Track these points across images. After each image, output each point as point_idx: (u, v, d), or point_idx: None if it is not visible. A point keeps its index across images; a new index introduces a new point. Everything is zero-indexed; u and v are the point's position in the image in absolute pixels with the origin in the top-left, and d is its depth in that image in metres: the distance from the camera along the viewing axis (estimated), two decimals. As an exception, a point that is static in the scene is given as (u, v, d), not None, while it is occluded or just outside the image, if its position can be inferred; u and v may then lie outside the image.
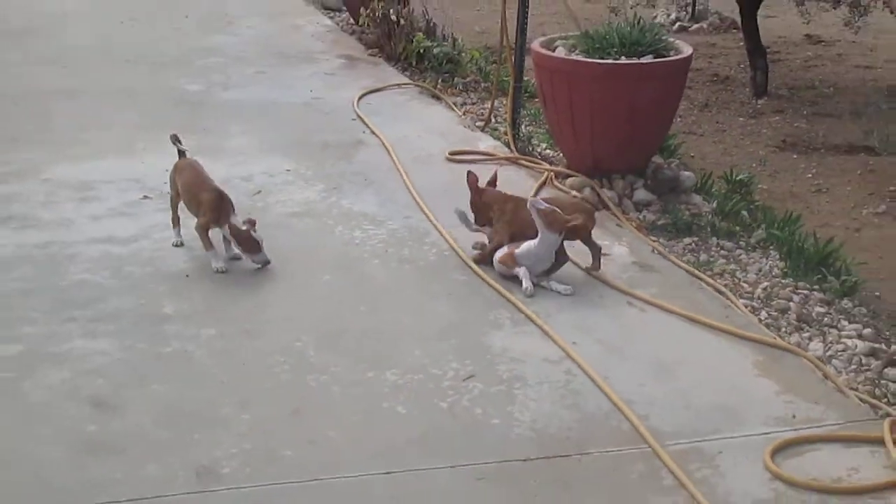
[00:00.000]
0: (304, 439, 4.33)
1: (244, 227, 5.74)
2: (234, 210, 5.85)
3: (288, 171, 7.41)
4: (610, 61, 7.03)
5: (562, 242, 5.67)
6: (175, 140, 6.17)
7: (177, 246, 6.08)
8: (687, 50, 7.26)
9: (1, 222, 6.47)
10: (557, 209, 5.58)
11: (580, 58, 7.14)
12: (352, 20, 12.54)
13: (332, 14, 13.40)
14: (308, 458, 4.20)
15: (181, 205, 6.07)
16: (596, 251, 5.86)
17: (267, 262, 5.81)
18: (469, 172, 6.06)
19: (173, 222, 6.13)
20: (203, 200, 5.83)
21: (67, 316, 5.33)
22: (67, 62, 10.59)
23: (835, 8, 10.66)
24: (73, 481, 4.05)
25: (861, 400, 4.76)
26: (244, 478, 4.08)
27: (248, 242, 5.77)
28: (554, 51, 7.33)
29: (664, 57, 7.15)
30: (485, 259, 5.86)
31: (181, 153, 6.16)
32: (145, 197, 6.85)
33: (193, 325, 5.25)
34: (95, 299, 5.51)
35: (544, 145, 8.27)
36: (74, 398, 4.61)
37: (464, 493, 4.03)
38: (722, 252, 6.50)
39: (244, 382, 4.76)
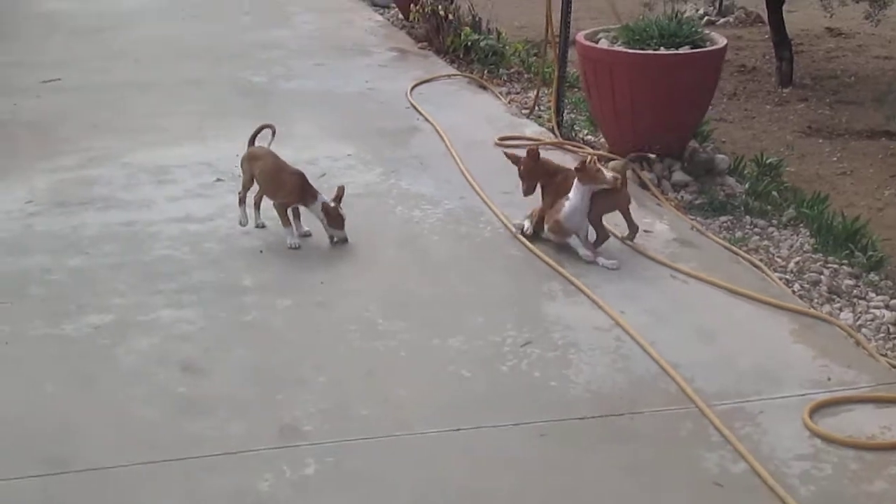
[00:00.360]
0: (377, 399, 4.42)
1: (333, 204, 5.85)
2: (317, 190, 5.96)
3: (349, 155, 7.49)
4: (650, 52, 7.08)
5: (601, 218, 5.76)
6: (265, 131, 6.22)
7: (244, 225, 6.14)
8: (721, 41, 7.30)
9: (86, 203, 6.59)
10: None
11: (622, 49, 7.20)
12: (401, 16, 12.63)
13: (381, 10, 13.47)
14: (382, 416, 4.29)
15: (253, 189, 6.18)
16: (633, 229, 5.94)
17: (345, 240, 5.93)
18: (529, 148, 6.06)
19: (241, 201, 6.16)
20: (287, 182, 5.91)
21: (154, 288, 5.44)
22: (136, 57, 10.69)
23: (857, 2, 10.65)
24: (169, 437, 4.15)
25: (891, 365, 4.80)
26: (324, 434, 4.17)
27: (336, 218, 5.88)
28: (597, 42, 7.39)
29: (700, 48, 7.20)
30: (539, 226, 5.96)
31: (252, 141, 6.24)
32: (218, 180, 6.95)
33: (270, 296, 5.35)
34: (178, 273, 5.61)
35: (586, 131, 8.35)
36: (164, 363, 4.71)
37: (528, 448, 4.11)
38: (755, 230, 6.55)
39: (320, 348, 4.86)
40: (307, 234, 6.02)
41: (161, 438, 4.16)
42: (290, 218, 5.97)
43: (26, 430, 4.24)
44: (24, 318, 5.14)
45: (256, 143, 6.22)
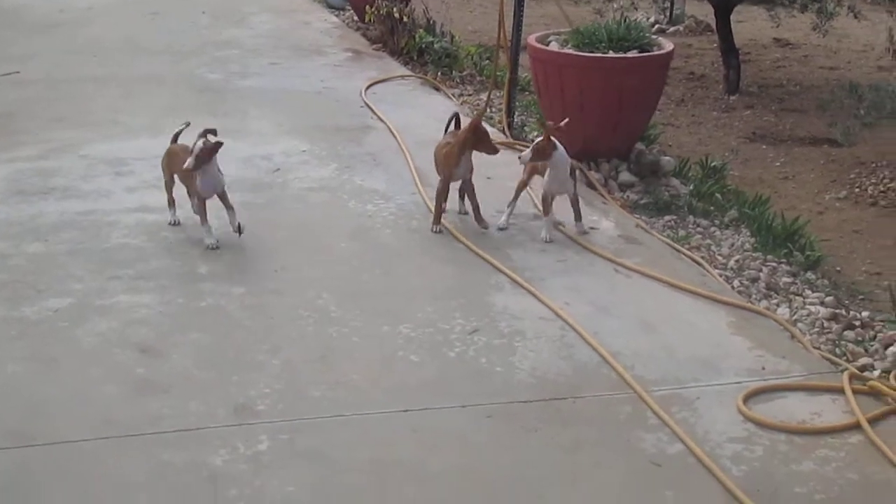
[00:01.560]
0: (329, 381, 4.56)
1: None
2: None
3: (304, 151, 7.63)
4: (598, 54, 7.27)
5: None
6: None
7: (173, 225, 6.20)
8: (668, 46, 7.50)
9: (45, 193, 6.70)
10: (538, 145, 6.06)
11: (571, 51, 7.38)
12: (356, 18, 12.78)
13: (337, 12, 13.60)
14: (334, 397, 4.44)
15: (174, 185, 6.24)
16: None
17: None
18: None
19: (169, 204, 6.24)
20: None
21: (112, 274, 5.55)
22: (96, 52, 10.80)
23: (803, 13, 10.88)
24: (128, 415, 4.27)
25: (823, 357, 5.00)
26: (277, 413, 4.31)
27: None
28: (548, 45, 7.57)
29: (648, 52, 7.39)
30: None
31: (175, 139, 6.28)
32: (175, 172, 7.07)
33: (225, 283, 5.48)
34: (136, 260, 5.73)
35: (535, 133, 8.50)
36: (123, 345, 4.84)
37: (475, 428, 4.26)
38: (698, 229, 6.74)
39: (274, 333, 4.99)
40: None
41: (121, 415, 4.28)
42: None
43: (-11, 407, 4.36)
44: (-16, 302, 5.26)
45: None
